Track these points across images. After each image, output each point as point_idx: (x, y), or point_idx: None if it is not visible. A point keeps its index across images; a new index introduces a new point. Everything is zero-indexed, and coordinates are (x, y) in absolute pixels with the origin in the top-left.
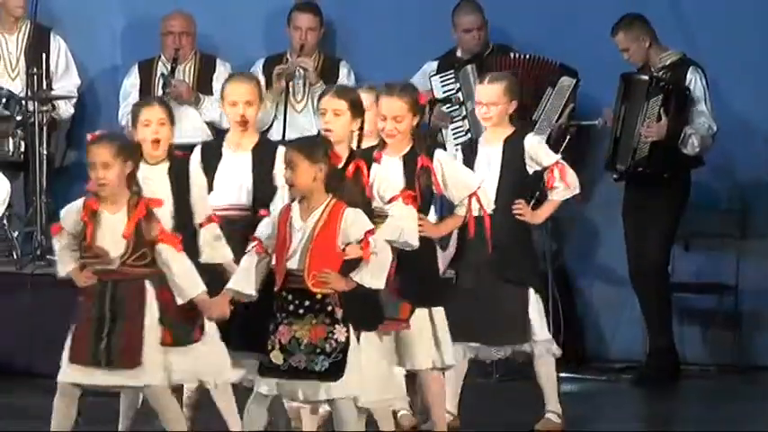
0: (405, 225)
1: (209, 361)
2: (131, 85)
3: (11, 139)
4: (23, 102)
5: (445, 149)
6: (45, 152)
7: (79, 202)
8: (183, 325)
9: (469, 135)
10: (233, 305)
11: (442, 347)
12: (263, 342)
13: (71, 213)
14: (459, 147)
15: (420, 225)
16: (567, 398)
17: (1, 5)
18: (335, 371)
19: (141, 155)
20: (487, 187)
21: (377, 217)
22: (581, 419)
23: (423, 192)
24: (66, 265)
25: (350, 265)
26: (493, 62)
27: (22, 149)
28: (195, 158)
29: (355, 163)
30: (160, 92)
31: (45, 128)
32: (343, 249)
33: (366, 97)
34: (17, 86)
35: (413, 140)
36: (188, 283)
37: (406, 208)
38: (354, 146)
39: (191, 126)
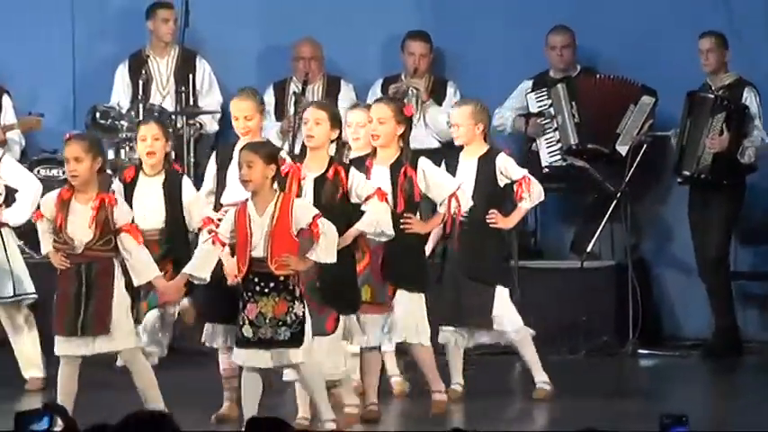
0: (379, 218)
1: None
2: (267, 103)
3: None
4: (173, 117)
5: (539, 156)
6: (192, 160)
7: (55, 192)
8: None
9: (559, 144)
10: (188, 287)
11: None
12: (231, 315)
13: (48, 202)
14: (444, 161)
15: (409, 223)
16: (647, 371)
17: (152, 32)
18: (296, 339)
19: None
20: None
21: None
22: (659, 389)
23: (407, 196)
24: (45, 246)
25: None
26: (581, 82)
27: (173, 158)
28: (213, 159)
29: (335, 167)
30: (292, 109)
31: (192, 140)
32: (297, 234)
33: (364, 115)
34: (167, 103)
35: (400, 151)
36: (145, 268)
37: (379, 204)
38: (333, 153)
39: None
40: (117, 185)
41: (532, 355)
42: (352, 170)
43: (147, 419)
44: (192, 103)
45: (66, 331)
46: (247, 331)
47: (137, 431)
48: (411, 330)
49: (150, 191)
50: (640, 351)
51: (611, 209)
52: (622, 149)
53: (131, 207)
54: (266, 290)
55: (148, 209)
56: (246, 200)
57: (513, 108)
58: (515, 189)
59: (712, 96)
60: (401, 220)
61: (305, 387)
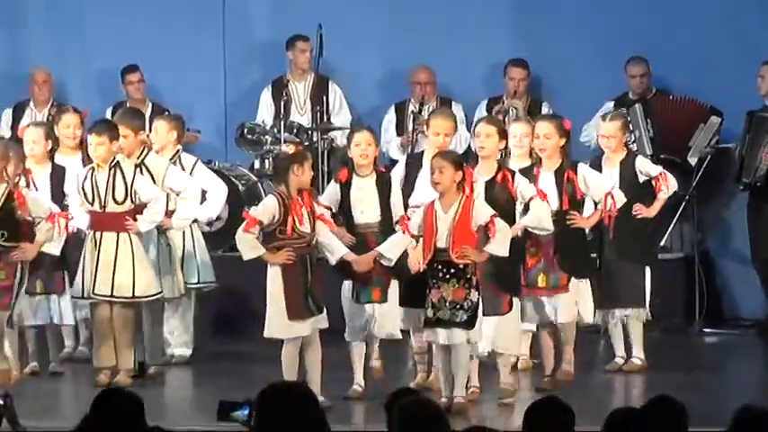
0: (541, 215)
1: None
2: (389, 120)
3: None
4: (309, 132)
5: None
6: (326, 169)
7: (273, 202)
8: (385, 286)
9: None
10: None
11: (581, 308)
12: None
13: (268, 210)
14: (588, 163)
15: (573, 219)
16: (711, 347)
17: (292, 61)
18: (471, 322)
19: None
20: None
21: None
22: (721, 361)
23: (570, 196)
24: (256, 249)
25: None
26: (655, 103)
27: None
28: (400, 166)
29: (503, 172)
30: (411, 126)
31: (325, 152)
32: (476, 230)
33: (527, 127)
34: (305, 121)
35: (562, 159)
36: (338, 248)
37: (541, 203)
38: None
39: None
40: (333, 185)
41: (639, 333)
42: (518, 174)
43: (286, 390)
44: (325, 120)
45: (305, 315)
46: (430, 312)
47: (275, 401)
48: (572, 311)
49: (365, 189)
50: (705, 330)
51: (680, 209)
52: (692, 160)
53: (349, 204)
54: (447, 276)
55: (365, 205)
56: (434, 200)
57: (597, 125)
58: (654, 183)
59: None
60: (566, 217)
61: (453, 362)
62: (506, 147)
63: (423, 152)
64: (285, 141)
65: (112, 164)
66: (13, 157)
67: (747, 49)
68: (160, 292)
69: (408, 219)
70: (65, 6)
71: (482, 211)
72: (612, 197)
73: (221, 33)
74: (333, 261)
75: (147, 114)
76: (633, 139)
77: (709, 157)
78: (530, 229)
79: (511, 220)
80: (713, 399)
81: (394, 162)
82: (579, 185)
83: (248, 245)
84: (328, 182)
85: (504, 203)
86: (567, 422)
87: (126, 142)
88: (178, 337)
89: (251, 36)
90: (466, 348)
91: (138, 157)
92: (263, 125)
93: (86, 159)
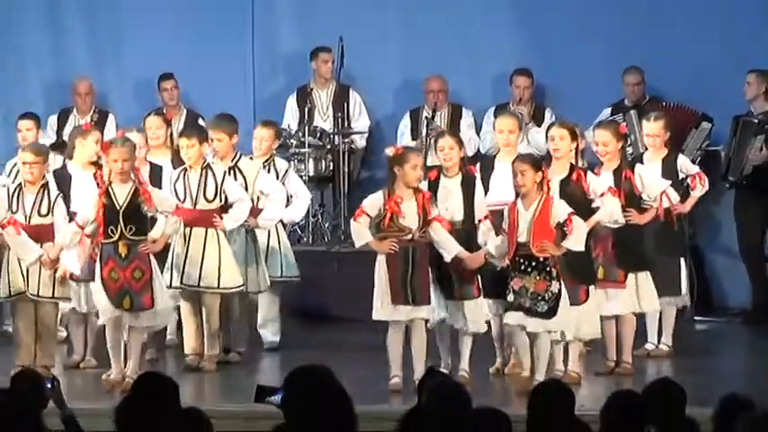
0: (613, 209)
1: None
2: (404, 125)
3: (323, 161)
4: (331, 136)
5: None
6: (346, 170)
7: (379, 196)
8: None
9: (632, 156)
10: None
11: (641, 299)
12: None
13: (374, 203)
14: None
15: (630, 215)
16: (701, 333)
17: (315, 71)
18: (551, 312)
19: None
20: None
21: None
22: (710, 346)
23: (627, 194)
24: (363, 237)
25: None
26: (649, 109)
27: (331, 168)
28: (478, 168)
29: (577, 172)
30: (424, 131)
31: (346, 154)
32: (555, 227)
33: (609, 134)
34: (327, 125)
35: (620, 160)
36: (452, 246)
37: (612, 198)
38: (573, 162)
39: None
40: (423, 184)
41: (671, 321)
42: (590, 173)
43: (312, 372)
44: (345, 125)
45: (402, 300)
46: (510, 298)
47: (303, 383)
48: (629, 304)
49: (451, 189)
50: (696, 318)
51: None
52: None
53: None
54: (529, 269)
55: (449, 203)
56: (516, 199)
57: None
58: (689, 181)
59: (756, 121)
60: (623, 214)
61: (536, 349)
62: (578, 147)
63: (495, 155)
64: (309, 145)
65: (204, 165)
66: None
67: (736, 58)
68: (243, 285)
69: (486, 218)
70: (103, 17)
71: (561, 210)
72: (667, 195)
73: (250, 45)
74: (447, 258)
75: (182, 119)
76: (630, 142)
77: (699, 158)
78: (602, 224)
79: (585, 216)
80: (702, 381)
81: None
82: (636, 184)
83: (357, 232)
84: (348, 181)
85: (578, 200)
86: (568, 405)
87: (220, 145)
88: (269, 326)
89: (278, 47)
90: (546, 337)
91: (231, 160)
92: (289, 129)
93: (175, 159)
